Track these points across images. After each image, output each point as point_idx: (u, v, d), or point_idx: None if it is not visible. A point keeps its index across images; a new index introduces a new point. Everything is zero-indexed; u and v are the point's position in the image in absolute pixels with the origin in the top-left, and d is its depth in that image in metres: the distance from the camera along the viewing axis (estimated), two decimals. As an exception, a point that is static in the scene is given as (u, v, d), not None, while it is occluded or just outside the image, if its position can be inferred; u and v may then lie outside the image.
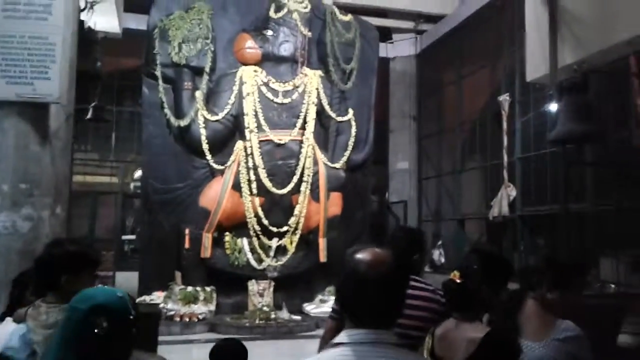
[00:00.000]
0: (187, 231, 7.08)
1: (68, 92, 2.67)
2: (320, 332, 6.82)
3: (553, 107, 6.29)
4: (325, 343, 2.86)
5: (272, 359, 4.01)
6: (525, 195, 7.58)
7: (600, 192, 6.23)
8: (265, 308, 6.89)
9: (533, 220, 7.46)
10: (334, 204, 7.66)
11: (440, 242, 9.03)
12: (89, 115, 5.68)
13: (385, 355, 1.41)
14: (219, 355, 2.50)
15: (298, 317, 7.11)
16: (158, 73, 7.16)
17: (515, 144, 7.71)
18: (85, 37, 3.30)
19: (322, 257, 7.47)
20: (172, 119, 7.17)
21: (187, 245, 7.02)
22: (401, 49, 10.32)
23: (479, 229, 8.95)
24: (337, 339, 1.46)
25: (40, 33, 2.69)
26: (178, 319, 6.54)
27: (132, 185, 10.21)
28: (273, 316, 6.84)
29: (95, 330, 1.53)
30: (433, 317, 2.57)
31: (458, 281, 2.08)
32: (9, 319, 2.17)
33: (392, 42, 10.31)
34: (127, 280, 7.74)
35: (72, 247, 2.18)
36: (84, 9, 3.28)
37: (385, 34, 9.95)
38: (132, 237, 9.44)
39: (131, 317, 1.62)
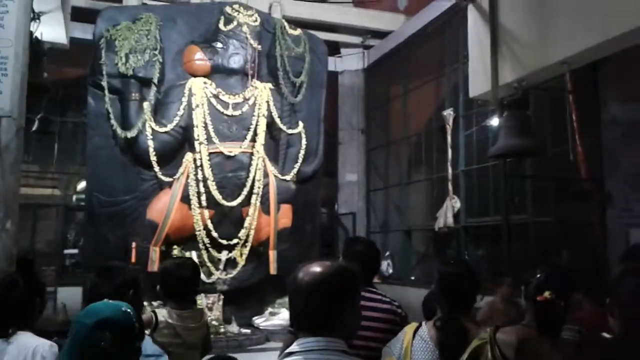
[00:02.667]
0: (133, 245, 6.94)
1: (19, 106, 2.61)
2: (270, 345, 6.83)
3: (495, 122, 6.56)
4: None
5: (222, 373, 3.97)
6: (469, 206, 7.84)
7: (540, 205, 6.53)
8: (214, 322, 6.82)
9: (476, 231, 7.72)
10: (284, 216, 7.69)
11: (388, 253, 9.19)
12: (34, 127, 5.50)
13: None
14: None
15: (248, 331, 7.08)
16: (104, 83, 7.03)
17: (459, 157, 7.98)
18: (33, 49, 3.22)
19: (273, 270, 7.47)
20: (119, 130, 7.04)
21: (133, 259, 6.87)
22: (349, 63, 10.51)
23: (425, 239, 9.17)
24: (289, 349, 1.55)
25: (-9, 46, 2.62)
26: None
27: (74, 197, 9.90)
28: (222, 330, 6.79)
29: (101, 344, 1.57)
30: (392, 328, 2.64)
31: (552, 300, 2.17)
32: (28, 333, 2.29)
33: (340, 57, 10.48)
34: (70, 295, 7.49)
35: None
36: (31, 20, 3.21)
37: (334, 49, 10.11)
38: (75, 251, 9.15)
39: (136, 330, 1.66)
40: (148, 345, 2.45)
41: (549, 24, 5.30)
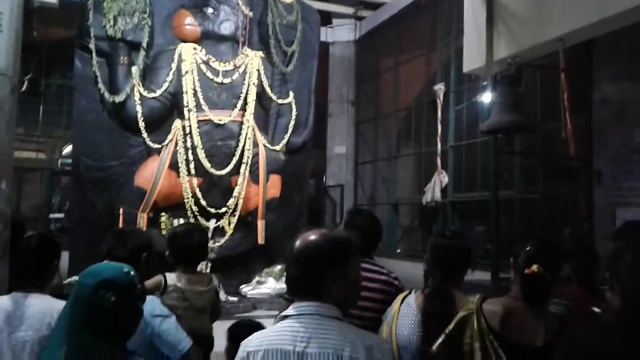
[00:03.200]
0: (121, 210, 6.89)
1: (14, 64, 2.54)
2: (257, 313, 6.89)
3: (486, 98, 6.57)
4: None
5: (210, 339, 4.01)
6: (457, 182, 7.90)
7: (528, 181, 6.61)
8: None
9: (463, 206, 7.80)
10: (273, 186, 7.68)
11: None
12: (23, 88, 5.36)
13: (327, 325, 1.56)
14: (237, 334, 2.65)
15: (235, 299, 7.12)
16: (92, 46, 6.86)
17: (449, 132, 8.00)
18: (24, 7, 3.13)
19: (260, 239, 7.48)
20: (107, 95, 6.91)
21: (120, 225, 6.82)
22: (341, 34, 10.41)
23: (412, 213, 9.25)
24: (285, 312, 1.63)
25: (-15, 1, 2.53)
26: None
27: (60, 161, 9.77)
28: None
29: (104, 304, 1.60)
30: (388, 298, 2.69)
31: (539, 274, 2.21)
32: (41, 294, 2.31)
33: (332, 27, 10.37)
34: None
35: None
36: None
37: (326, 19, 9.99)
38: (60, 215, 9.06)
39: (138, 291, 1.69)
40: (157, 306, 2.56)
41: (546, 0, 5.27)
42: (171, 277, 2.98)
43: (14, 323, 2.16)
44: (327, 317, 1.58)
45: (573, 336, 2.07)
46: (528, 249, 2.27)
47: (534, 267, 2.20)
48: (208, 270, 7.04)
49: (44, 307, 2.23)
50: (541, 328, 2.18)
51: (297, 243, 1.65)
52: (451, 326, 2.25)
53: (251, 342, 1.64)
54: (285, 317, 1.62)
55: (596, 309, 2.78)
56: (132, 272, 1.73)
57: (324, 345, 1.52)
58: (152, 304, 2.52)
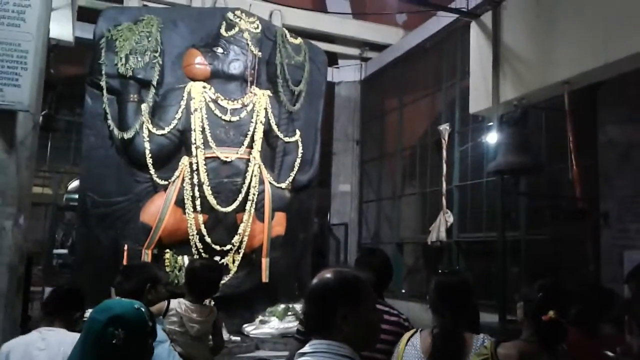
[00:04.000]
0: (125, 247, 6.87)
1: (36, 101, 2.59)
2: (260, 353, 6.79)
3: (491, 138, 6.64)
4: None
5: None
6: (462, 222, 7.89)
7: (534, 222, 6.60)
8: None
9: (469, 246, 7.77)
10: (278, 223, 7.67)
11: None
12: (40, 124, 5.41)
13: None
14: None
15: (238, 338, 7.02)
16: (103, 83, 6.96)
17: (454, 172, 8.04)
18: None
19: (265, 277, 7.43)
20: (116, 131, 6.97)
21: (125, 261, 6.78)
22: (346, 74, 10.57)
23: (417, 252, 9.21)
24: (302, 350, 1.64)
25: (12, 39, 2.58)
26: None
27: (65, 197, 9.78)
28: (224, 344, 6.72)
29: (114, 341, 1.59)
30: (397, 340, 2.67)
31: (557, 320, 2.22)
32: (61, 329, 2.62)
33: (337, 67, 10.54)
34: (58, 296, 7.37)
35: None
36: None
37: (332, 59, 10.16)
38: (64, 251, 9.03)
39: (148, 328, 1.68)
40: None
41: (552, 44, 5.39)
42: (174, 303, 3.16)
43: (33, 353, 2.36)
44: (339, 356, 1.57)
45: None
46: (541, 294, 2.28)
47: (551, 314, 2.20)
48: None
49: (60, 338, 2.42)
50: None
51: (312, 281, 1.68)
52: None
53: None
54: (303, 354, 1.62)
55: (609, 353, 2.74)
56: (142, 309, 1.73)
57: None
58: None
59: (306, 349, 1.63)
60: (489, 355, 2.24)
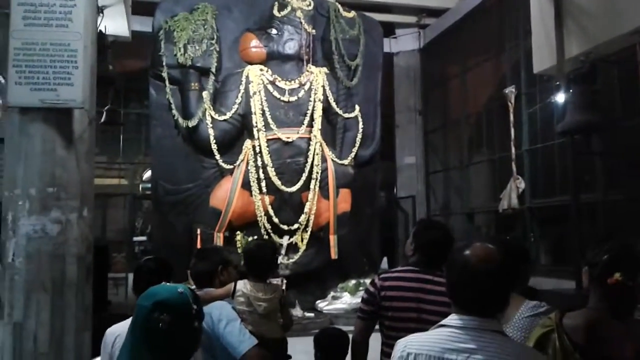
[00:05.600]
0: (198, 231, 7.12)
1: (90, 97, 2.71)
2: (334, 328, 6.88)
3: (560, 98, 6.32)
4: (358, 343, 2.96)
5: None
6: (534, 187, 7.60)
7: (611, 182, 6.25)
8: (284, 308, 6.92)
9: (542, 212, 7.48)
10: (343, 200, 7.69)
11: (449, 236, 9.05)
12: (102, 119, 5.70)
13: (492, 340, 1.59)
14: (323, 341, 3.19)
15: (311, 314, 7.15)
16: (164, 74, 7.19)
17: (523, 135, 7.73)
18: (98, 42, 3.33)
19: (333, 254, 7.50)
20: (180, 120, 7.20)
21: (199, 245, 7.03)
22: (404, 43, 10.33)
23: (488, 221, 8.98)
24: (444, 321, 1.67)
25: (62, 40, 2.73)
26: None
27: (141, 186, 10.25)
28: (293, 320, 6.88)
29: (160, 325, 1.65)
30: None
31: (624, 282, 2.11)
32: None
33: (395, 38, 10.32)
34: (140, 281, 7.78)
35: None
36: (96, 14, 3.33)
37: (389, 30, 9.96)
38: (143, 238, 9.49)
39: (193, 311, 1.73)
40: (225, 311, 2.81)
41: (618, -8, 5.03)
42: (240, 284, 3.25)
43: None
44: (493, 332, 1.61)
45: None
46: (606, 257, 2.13)
47: (617, 276, 2.05)
48: (284, 287, 7.13)
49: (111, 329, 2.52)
50: (630, 339, 2.04)
51: (473, 256, 1.66)
52: (531, 344, 2.14)
53: (412, 344, 1.69)
54: (444, 325, 1.66)
55: None
56: (186, 293, 1.76)
57: (489, 357, 1.56)
58: (220, 309, 2.80)
59: (452, 322, 1.65)
60: (554, 326, 2.12)
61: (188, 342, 1.74)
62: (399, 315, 2.79)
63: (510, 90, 7.80)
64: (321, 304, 7.37)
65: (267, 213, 7.25)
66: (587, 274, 2.23)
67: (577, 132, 5.51)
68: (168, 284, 1.94)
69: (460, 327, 1.61)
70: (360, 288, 7.37)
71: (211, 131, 7.17)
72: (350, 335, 3.09)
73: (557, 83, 6.21)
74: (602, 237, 5.95)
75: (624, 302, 2.10)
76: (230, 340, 2.73)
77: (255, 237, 7.10)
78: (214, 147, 7.18)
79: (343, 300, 7.26)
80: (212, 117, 7.19)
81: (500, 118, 8.28)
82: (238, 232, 7.25)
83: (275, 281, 7.12)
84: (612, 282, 2.06)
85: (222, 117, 7.24)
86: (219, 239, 7.09)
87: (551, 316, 2.16)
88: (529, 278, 2.83)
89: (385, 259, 8.12)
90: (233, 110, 7.26)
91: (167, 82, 7.21)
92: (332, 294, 7.46)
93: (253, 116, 7.28)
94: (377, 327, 2.97)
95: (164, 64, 7.17)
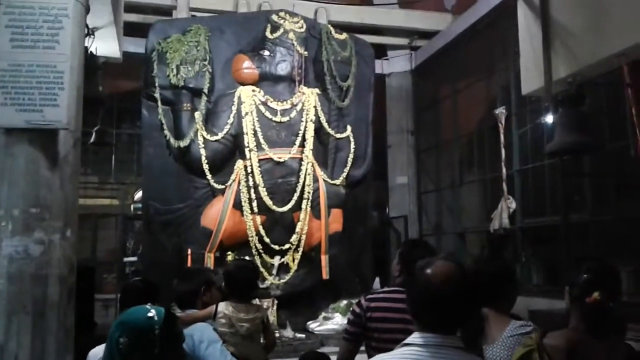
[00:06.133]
0: (189, 251, 7.09)
1: (75, 118, 2.72)
2: (325, 349, 6.81)
3: (549, 119, 6.37)
4: None
5: (278, 377, 4.07)
6: (525, 207, 7.63)
7: (600, 202, 6.28)
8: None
9: (533, 232, 7.50)
10: (335, 220, 7.68)
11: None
12: (92, 140, 5.71)
13: (454, 356, 1.62)
14: None
15: (302, 335, 7.09)
16: (157, 95, 7.20)
17: (513, 156, 7.78)
18: (88, 63, 3.35)
19: (325, 274, 7.47)
20: (172, 140, 7.21)
21: (189, 264, 7.00)
22: (396, 65, 10.43)
23: (480, 242, 8.98)
24: (407, 340, 1.69)
25: (48, 61, 2.75)
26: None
27: (132, 206, 10.21)
28: (277, 335, 6.82)
29: (119, 347, 1.65)
30: None
31: (601, 301, 2.11)
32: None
33: (387, 59, 10.42)
34: (130, 302, 7.71)
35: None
36: (86, 36, 3.35)
37: (381, 51, 10.06)
38: (134, 259, 9.43)
39: (152, 336, 1.71)
40: (206, 333, 2.77)
41: (604, 15, 5.10)
42: (221, 305, 3.28)
43: None
44: (453, 348, 1.64)
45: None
46: (585, 275, 2.14)
47: (595, 295, 2.06)
48: (275, 308, 7.10)
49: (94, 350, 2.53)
50: (609, 358, 2.04)
51: (433, 275, 1.68)
52: None
53: None
54: (407, 344, 1.68)
55: None
56: (156, 317, 1.72)
57: None
58: (201, 330, 2.76)
59: (415, 340, 1.67)
60: (535, 346, 2.13)
61: None
62: (385, 337, 2.78)
63: (501, 111, 7.87)
64: (312, 325, 7.31)
65: (258, 233, 7.23)
66: (567, 293, 2.24)
67: (566, 153, 5.55)
68: (148, 305, 1.91)
69: (423, 344, 1.64)
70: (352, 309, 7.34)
71: (203, 151, 7.18)
72: (334, 358, 3.06)
73: (546, 104, 6.27)
74: (582, 256, 5.96)
75: (603, 322, 2.10)
76: None
77: (247, 257, 7.08)
78: (205, 167, 7.18)
79: (334, 320, 7.21)
80: (204, 138, 7.20)
81: (491, 138, 8.34)
82: (229, 253, 7.22)
83: (267, 302, 7.12)
84: (590, 301, 2.07)
85: (214, 138, 7.25)
86: (209, 260, 7.05)
87: (532, 336, 2.17)
88: (516, 298, 2.82)
89: (377, 279, 8.08)
90: (225, 131, 7.28)
91: (159, 103, 7.22)
92: (323, 314, 7.41)
93: (245, 136, 7.29)
94: (363, 348, 2.95)
95: (156, 84, 7.20)
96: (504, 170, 7.72)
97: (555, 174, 6.53)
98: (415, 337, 1.68)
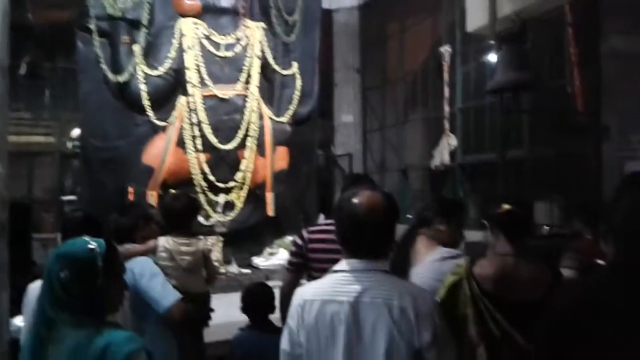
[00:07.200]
0: (130, 190, 6.94)
1: (1, 45, 2.53)
2: (270, 283, 6.93)
3: (492, 57, 6.45)
4: (287, 295, 3.01)
5: (223, 311, 4.09)
6: (466, 144, 7.82)
7: (537, 139, 6.50)
8: (215, 263, 6.89)
9: (472, 168, 7.73)
10: (281, 158, 7.66)
11: (385, 193, 9.24)
12: (23, 72, 5.37)
13: (379, 279, 1.71)
14: (249, 296, 3.15)
15: (248, 271, 7.18)
16: (92, 26, 6.82)
17: (456, 94, 7.89)
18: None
19: (270, 211, 7.49)
20: (110, 75, 6.89)
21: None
22: (344, 0, 10.21)
23: (422, 178, 9.20)
24: (336, 267, 1.79)
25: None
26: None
27: (69, 144, 9.83)
28: (223, 271, 6.87)
29: (59, 278, 1.61)
30: None
31: (513, 210, 2.22)
32: None
33: (334, -6, 10.18)
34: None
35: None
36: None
37: (328, -15, 9.80)
38: (72, 197, 9.16)
39: (96, 268, 1.67)
40: (147, 266, 2.80)
41: (549, -49, 5.12)
42: (162, 240, 3.26)
43: None
44: (379, 272, 1.73)
45: (565, 288, 2.04)
46: (500, 207, 2.26)
47: (506, 206, 2.22)
48: (220, 245, 7.12)
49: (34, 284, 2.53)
50: (535, 282, 2.16)
51: (359, 204, 1.73)
52: (442, 293, 2.22)
53: (307, 292, 1.81)
54: (336, 271, 1.78)
55: (600, 262, 2.75)
56: (96, 250, 1.69)
57: (375, 295, 1.67)
58: (142, 264, 2.78)
59: (343, 267, 1.76)
60: (464, 274, 2.22)
61: (87, 299, 1.66)
62: (325, 267, 2.82)
63: (446, 49, 7.91)
64: (257, 260, 7.41)
65: (202, 171, 7.12)
66: (487, 226, 2.34)
67: (507, 91, 5.67)
68: (86, 238, 1.86)
69: (350, 270, 1.72)
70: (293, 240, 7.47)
71: (143, 87, 6.91)
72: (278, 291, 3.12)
73: (491, 42, 6.33)
74: (531, 192, 6.23)
75: (518, 229, 2.23)
76: (153, 296, 2.71)
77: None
78: (146, 103, 6.93)
79: (279, 256, 7.31)
80: (144, 72, 6.92)
81: (436, 77, 8.41)
82: (172, 190, 7.07)
83: (212, 239, 7.11)
84: (502, 211, 2.19)
85: (155, 72, 6.98)
86: (152, 198, 6.93)
87: (462, 264, 2.27)
88: (455, 230, 2.93)
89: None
90: (166, 65, 7.01)
91: (95, 35, 6.85)
92: (268, 250, 7.50)
93: (187, 71, 7.05)
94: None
95: (91, 15, 6.80)
96: (446, 108, 7.85)
97: (495, 112, 6.67)
98: (342, 264, 1.76)
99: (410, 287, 1.83)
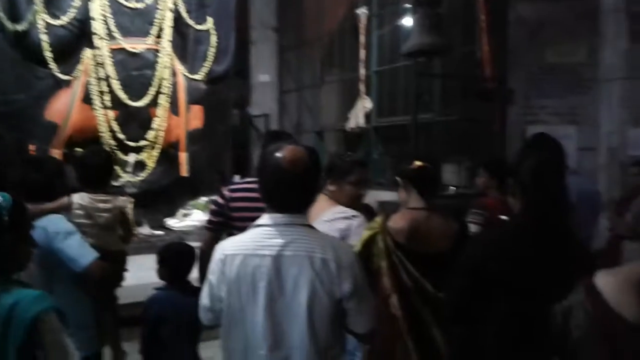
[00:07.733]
0: (32, 147, 6.53)
1: None
2: (184, 245, 6.84)
3: (407, 21, 6.56)
4: (206, 254, 2.97)
5: (134, 273, 4.02)
6: (380, 107, 7.97)
7: (447, 103, 6.74)
8: (130, 222, 6.70)
9: (386, 131, 7.91)
10: (195, 117, 7.46)
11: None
12: None
13: (302, 233, 1.72)
14: (167, 255, 2.89)
15: (161, 232, 7.04)
16: (-16, -33, 6.25)
17: (372, 57, 7.97)
18: None
19: (184, 172, 7.32)
20: (8, 23, 6.37)
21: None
22: (260, -46, 9.93)
23: (337, 140, 9.31)
24: (259, 221, 1.78)
25: None
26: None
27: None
28: (134, 232, 6.68)
29: None
30: None
31: (424, 165, 2.32)
32: None
33: (250, -53, 9.87)
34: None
35: None
36: None
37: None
38: (-33, 155, 8.49)
39: (3, 221, 1.60)
40: (61, 224, 2.64)
41: None
42: (76, 197, 3.15)
43: None
44: (301, 226, 1.74)
45: (475, 239, 2.16)
46: (412, 164, 2.36)
47: (417, 162, 2.33)
48: (131, 206, 6.88)
49: None
50: (444, 234, 2.28)
51: (283, 157, 1.71)
52: (359, 246, 2.30)
53: (228, 247, 1.78)
54: (259, 225, 1.76)
55: (504, 217, 2.93)
56: (3, 203, 1.62)
57: (297, 248, 1.68)
58: (56, 222, 2.63)
59: (266, 221, 1.75)
60: (379, 229, 2.30)
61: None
62: (246, 225, 2.82)
63: (362, 11, 7.95)
64: (170, 222, 7.27)
65: (111, 129, 6.81)
66: (400, 183, 2.43)
67: (420, 55, 5.79)
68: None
69: (272, 224, 1.73)
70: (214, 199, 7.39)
71: (44, 37, 6.45)
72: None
73: (406, 5, 6.43)
74: (440, 154, 6.48)
75: (429, 184, 2.35)
76: (70, 254, 2.58)
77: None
78: (48, 55, 6.49)
79: (193, 217, 7.22)
80: (45, 22, 6.45)
81: (352, 39, 8.44)
82: (77, 149, 6.74)
83: (122, 199, 6.87)
84: (414, 167, 2.31)
85: (57, 22, 6.53)
86: (56, 156, 6.55)
87: (377, 219, 2.35)
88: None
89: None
90: (70, 15, 6.57)
91: (-12, -23, 6.27)
92: (182, 211, 7.37)
93: (93, 22, 6.65)
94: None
95: (-18, -46, 6.21)
96: (362, 70, 7.93)
97: (409, 76, 6.83)
98: (264, 218, 1.76)
99: (332, 239, 1.85)
